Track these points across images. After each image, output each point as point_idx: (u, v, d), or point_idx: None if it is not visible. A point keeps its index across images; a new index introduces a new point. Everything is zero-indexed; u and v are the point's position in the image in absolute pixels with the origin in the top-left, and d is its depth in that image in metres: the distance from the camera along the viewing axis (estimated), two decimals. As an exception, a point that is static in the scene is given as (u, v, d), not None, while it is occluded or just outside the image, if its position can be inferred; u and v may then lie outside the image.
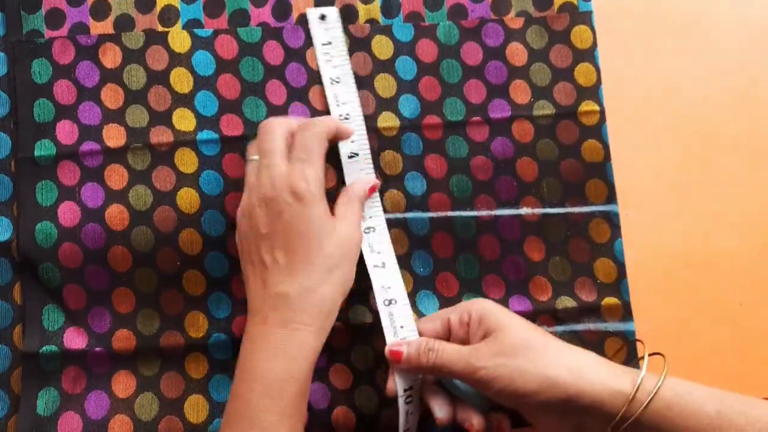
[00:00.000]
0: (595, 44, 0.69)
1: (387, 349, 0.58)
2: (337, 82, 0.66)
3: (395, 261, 0.63)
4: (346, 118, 0.64)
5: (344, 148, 0.63)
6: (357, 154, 0.64)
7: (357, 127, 0.64)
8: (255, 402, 0.52)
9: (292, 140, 0.59)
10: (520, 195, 0.66)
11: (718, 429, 0.50)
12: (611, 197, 0.67)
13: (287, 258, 0.56)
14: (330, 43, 0.67)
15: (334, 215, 0.59)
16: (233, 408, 0.53)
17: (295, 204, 0.56)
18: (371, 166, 0.64)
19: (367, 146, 0.64)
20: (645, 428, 0.52)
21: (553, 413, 0.54)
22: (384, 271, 0.62)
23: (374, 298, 0.62)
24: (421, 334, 0.59)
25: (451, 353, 0.56)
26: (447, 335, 0.59)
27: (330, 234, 0.57)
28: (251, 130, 0.64)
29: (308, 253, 0.56)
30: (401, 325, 0.60)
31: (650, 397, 0.51)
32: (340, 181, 0.64)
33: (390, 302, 0.61)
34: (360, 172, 0.63)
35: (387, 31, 0.68)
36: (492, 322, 0.55)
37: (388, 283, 0.62)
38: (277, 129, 0.59)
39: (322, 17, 0.67)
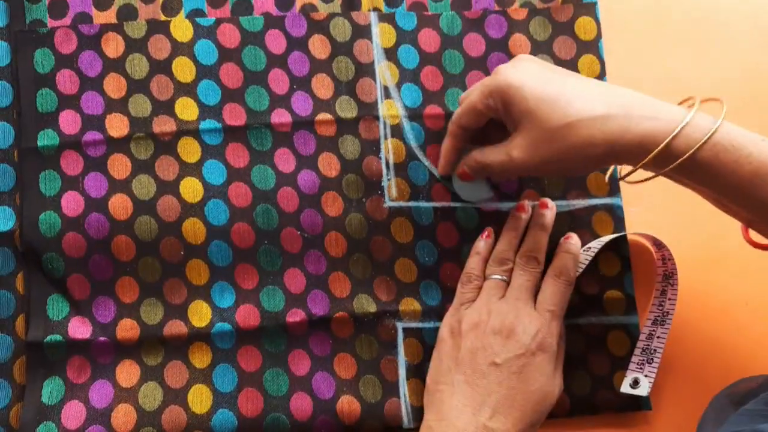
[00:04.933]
0: (599, 36, 0.72)
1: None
2: None
3: None
4: None
5: None
6: None
7: None
8: None
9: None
10: (521, 188, 0.69)
11: (750, 189, 0.53)
12: (614, 190, 0.70)
13: (506, 399, 0.58)
14: None
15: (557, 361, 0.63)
16: None
17: (537, 354, 0.60)
18: None
19: None
20: (680, 178, 0.56)
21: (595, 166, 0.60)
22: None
23: (378, 288, 0.67)
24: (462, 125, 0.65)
25: (489, 161, 0.62)
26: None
27: (548, 396, 0.60)
28: (254, 120, 0.67)
29: (525, 405, 0.59)
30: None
31: (708, 136, 0.53)
32: (344, 171, 0.68)
33: None
34: None
35: (390, 19, 0.70)
36: (516, 112, 0.59)
37: None
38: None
39: None
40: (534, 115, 0.58)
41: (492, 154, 0.62)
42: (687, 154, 0.54)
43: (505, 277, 0.65)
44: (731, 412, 0.59)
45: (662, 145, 0.54)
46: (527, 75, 0.59)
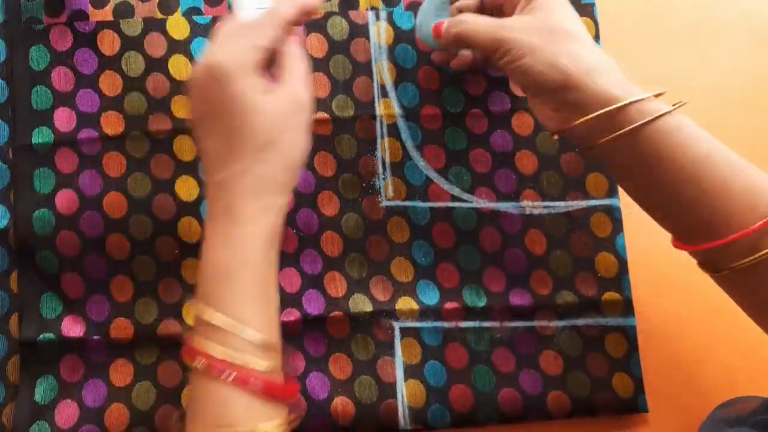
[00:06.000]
0: (597, 36, 0.72)
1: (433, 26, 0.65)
2: None
3: None
4: None
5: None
6: None
7: None
8: (211, 289, 0.52)
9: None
10: (519, 188, 0.70)
11: (701, 168, 0.53)
12: (612, 191, 0.70)
13: (217, 144, 0.54)
14: None
15: (274, 76, 0.56)
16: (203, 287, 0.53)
17: (213, 85, 0.53)
18: None
19: None
20: (631, 147, 0.55)
21: (550, 100, 0.58)
22: None
23: (374, 288, 0.66)
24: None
25: (480, 22, 0.61)
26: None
27: (257, 109, 0.53)
28: None
29: (234, 135, 0.53)
30: None
31: (656, 116, 0.54)
32: (340, 170, 0.68)
33: None
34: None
35: (387, 18, 0.71)
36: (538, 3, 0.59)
37: None
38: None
39: None
40: (549, 9, 0.58)
41: (482, 21, 0.61)
42: (650, 117, 0.54)
43: None
44: None
45: (623, 103, 0.54)
46: None
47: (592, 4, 0.72)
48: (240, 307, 0.51)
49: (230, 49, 0.54)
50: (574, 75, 0.55)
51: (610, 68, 0.56)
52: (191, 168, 0.67)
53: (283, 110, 0.54)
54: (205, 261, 0.53)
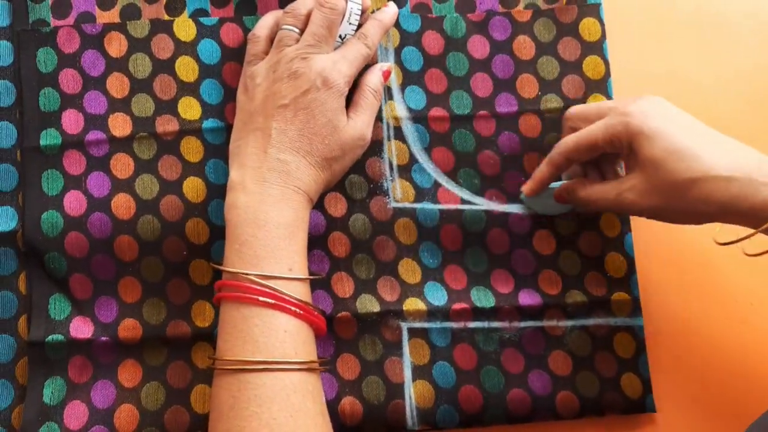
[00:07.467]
0: (603, 37, 0.72)
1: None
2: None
3: None
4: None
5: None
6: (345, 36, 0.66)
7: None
8: (275, 244, 0.58)
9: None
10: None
11: None
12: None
13: (297, 134, 0.60)
14: None
15: (350, 107, 0.64)
16: (251, 249, 0.57)
17: (322, 89, 0.61)
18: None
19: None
20: None
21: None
22: None
23: (382, 289, 0.66)
24: (568, 156, 0.65)
25: (594, 195, 0.63)
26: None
27: (338, 130, 0.62)
28: None
29: (313, 138, 0.61)
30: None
31: None
32: (348, 171, 0.67)
33: None
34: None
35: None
36: (641, 157, 0.59)
37: None
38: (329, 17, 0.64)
39: None
40: (659, 165, 0.58)
41: (600, 192, 0.63)
42: None
43: (295, 29, 0.64)
44: None
45: None
46: (659, 123, 0.59)
47: (598, 5, 0.72)
48: (299, 260, 0.59)
49: (344, 71, 0.62)
50: (714, 214, 0.57)
51: (745, 189, 0.55)
52: (198, 169, 0.67)
53: (351, 141, 0.63)
54: (265, 218, 0.58)
